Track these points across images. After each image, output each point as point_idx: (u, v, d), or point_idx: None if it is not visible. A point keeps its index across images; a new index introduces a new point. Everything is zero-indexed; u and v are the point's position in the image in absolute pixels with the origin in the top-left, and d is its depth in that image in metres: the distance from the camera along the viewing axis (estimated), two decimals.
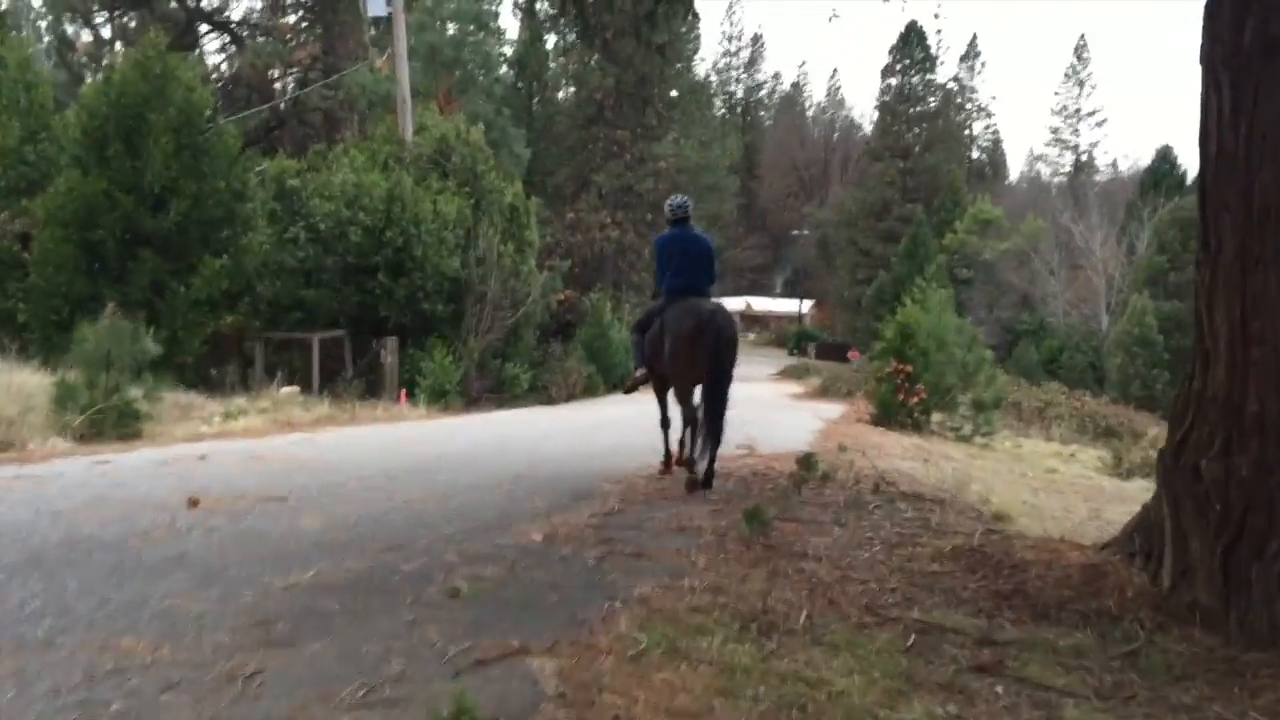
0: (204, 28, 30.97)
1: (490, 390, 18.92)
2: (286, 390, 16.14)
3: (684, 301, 7.76)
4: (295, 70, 28.23)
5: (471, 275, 18.69)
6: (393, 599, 4.16)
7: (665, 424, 8.30)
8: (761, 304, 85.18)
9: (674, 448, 8.34)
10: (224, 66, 29.26)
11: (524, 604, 4.20)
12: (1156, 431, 23.52)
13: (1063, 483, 13.03)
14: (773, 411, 17.49)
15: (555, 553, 5.20)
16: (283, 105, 29.19)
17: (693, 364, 7.55)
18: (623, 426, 12.39)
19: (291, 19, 27.47)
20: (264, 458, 8.41)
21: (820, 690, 3.39)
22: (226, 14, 28.43)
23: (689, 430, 7.86)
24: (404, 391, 16.75)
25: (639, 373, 8.36)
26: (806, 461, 8.37)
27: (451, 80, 23.19)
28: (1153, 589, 4.62)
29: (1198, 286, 4.67)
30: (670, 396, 8.09)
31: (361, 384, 17.73)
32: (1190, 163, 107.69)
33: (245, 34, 30.20)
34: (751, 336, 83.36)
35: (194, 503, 6.05)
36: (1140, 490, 13.76)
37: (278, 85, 29.58)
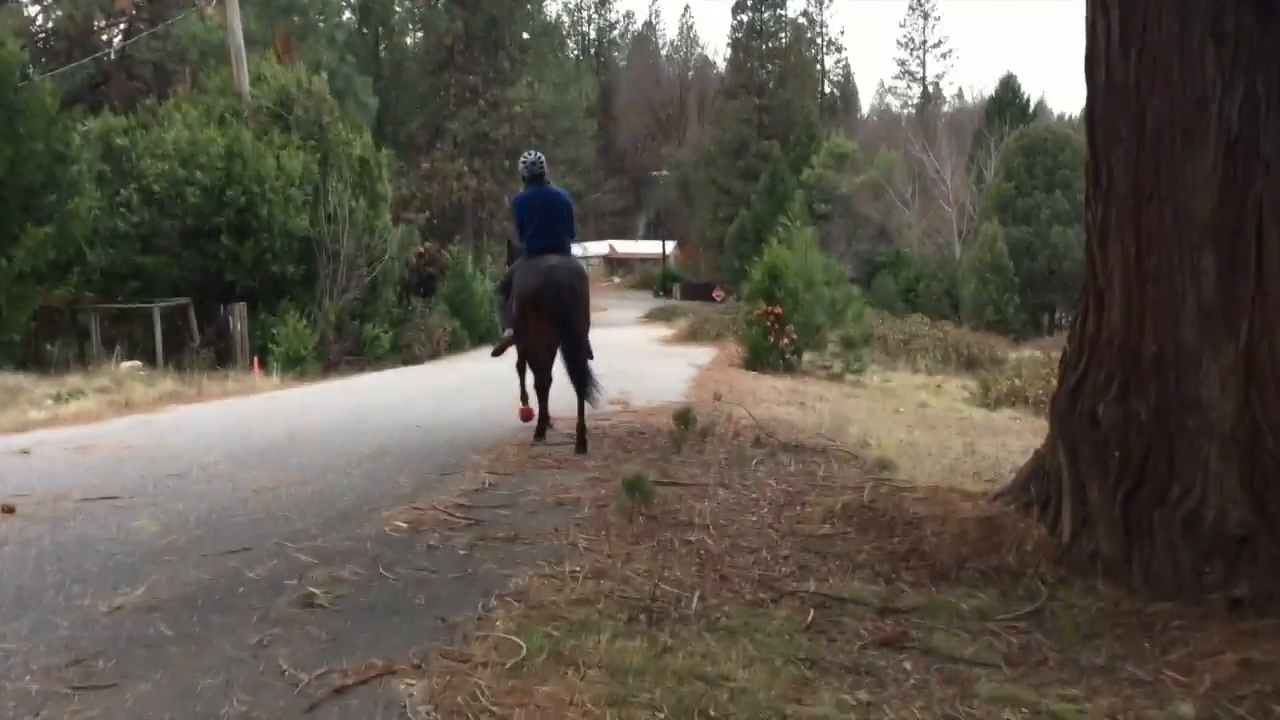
0: None
1: (350, 353, 18.11)
2: (127, 365, 15.11)
3: (534, 260, 7.65)
4: (121, 20, 26.31)
5: (322, 233, 17.75)
6: (237, 616, 3.67)
7: (539, 387, 8.02)
8: (625, 247, 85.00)
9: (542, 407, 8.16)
10: (40, 19, 27.02)
11: (389, 609, 3.77)
12: (1015, 357, 24.23)
13: (935, 416, 13.12)
14: (644, 359, 17.20)
15: (422, 542, 4.76)
16: (108, 58, 27.28)
17: (540, 323, 7.49)
18: (490, 386, 11.91)
19: None
20: (96, 447, 7.67)
21: (721, 688, 3.07)
22: None
23: (543, 396, 7.91)
24: (257, 360, 15.85)
25: (506, 334, 8.27)
26: (684, 417, 8.08)
27: (290, 27, 21.88)
28: (1052, 541, 4.45)
29: (1088, 223, 4.46)
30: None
31: (211, 354, 16.76)
32: (1033, 90, 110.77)
33: None
34: (617, 280, 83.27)
35: (8, 509, 5.38)
36: (1008, 420, 14.02)
37: (104, 38, 27.57)
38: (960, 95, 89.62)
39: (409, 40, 50.66)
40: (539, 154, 8.14)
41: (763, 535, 5.04)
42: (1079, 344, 4.56)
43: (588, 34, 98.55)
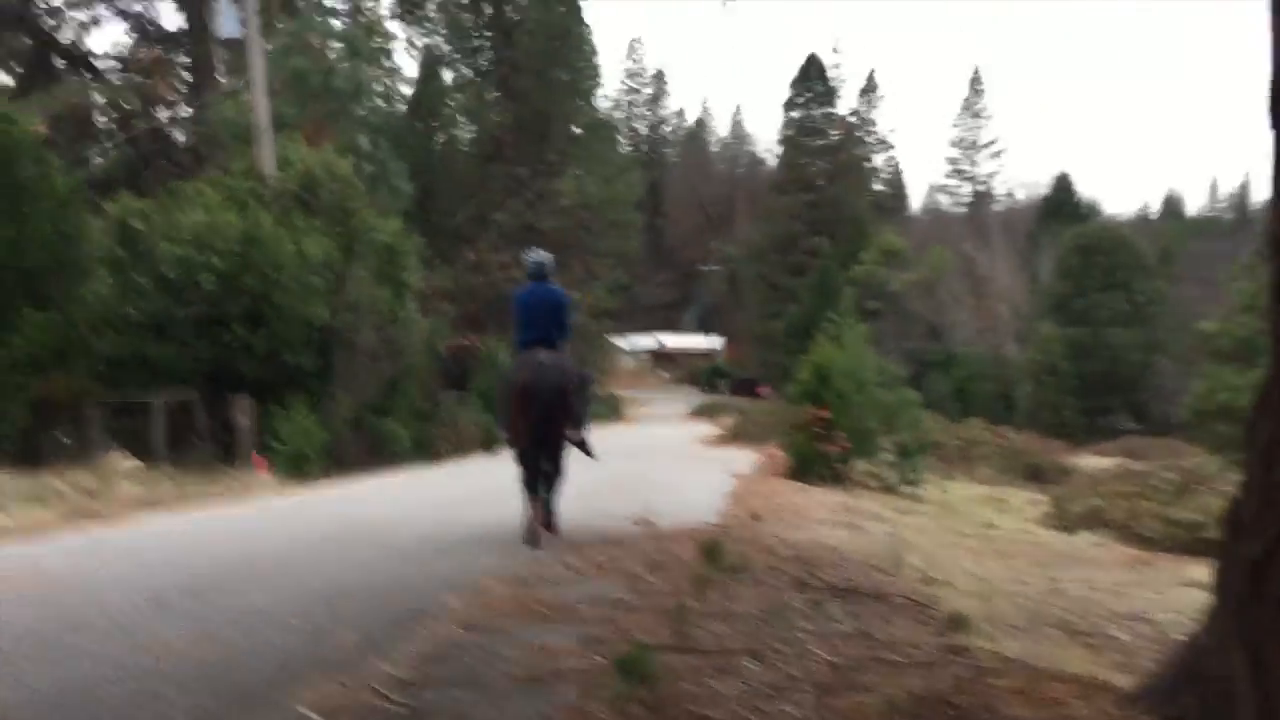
0: (61, 63, 28.55)
1: (367, 451, 16.90)
2: (125, 463, 14.03)
3: (525, 355, 7.93)
4: (160, 107, 26.01)
5: (341, 323, 16.70)
6: None
7: (528, 484, 8.00)
8: (673, 341, 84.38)
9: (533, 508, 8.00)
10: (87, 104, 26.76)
11: None
12: (1084, 467, 22.50)
13: (1004, 541, 11.60)
14: (679, 465, 15.88)
15: None
16: (151, 143, 26.96)
17: (526, 418, 7.63)
18: (504, 497, 10.70)
19: (152, 51, 25.23)
20: (9, 578, 6.42)
21: None
22: (84, 47, 26.08)
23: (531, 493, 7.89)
24: (261, 459, 14.69)
25: (504, 434, 8.29)
26: (712, 551, 6.73)
27: (321, 110, 21.28)
28: None
29: (1274, 326, 3.14)
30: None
31: (215, 451, 15.65)
32: (1088, 190, 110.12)
33: (106, 69, 27.89)
34: (665, 375, 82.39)
35: None
36: (1090, 548, 12.46)
37: (144, 124, 27.32)
38: (1012, 194, 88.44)
39: (458, 133, 50.54)
40: (543, 254, 8.46)
41: None
42: (1264, 497, 3.18)
43: (639, 130, 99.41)
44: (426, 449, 19.24)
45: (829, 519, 10.25)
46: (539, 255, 8.38)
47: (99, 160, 28.30)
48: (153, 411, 15.39)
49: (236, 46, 22.90)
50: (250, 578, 6.39)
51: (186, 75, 26.74)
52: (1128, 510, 12.89)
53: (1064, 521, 13.36)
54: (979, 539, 11.58)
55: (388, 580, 6.34)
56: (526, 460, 7.87)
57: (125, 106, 23.08)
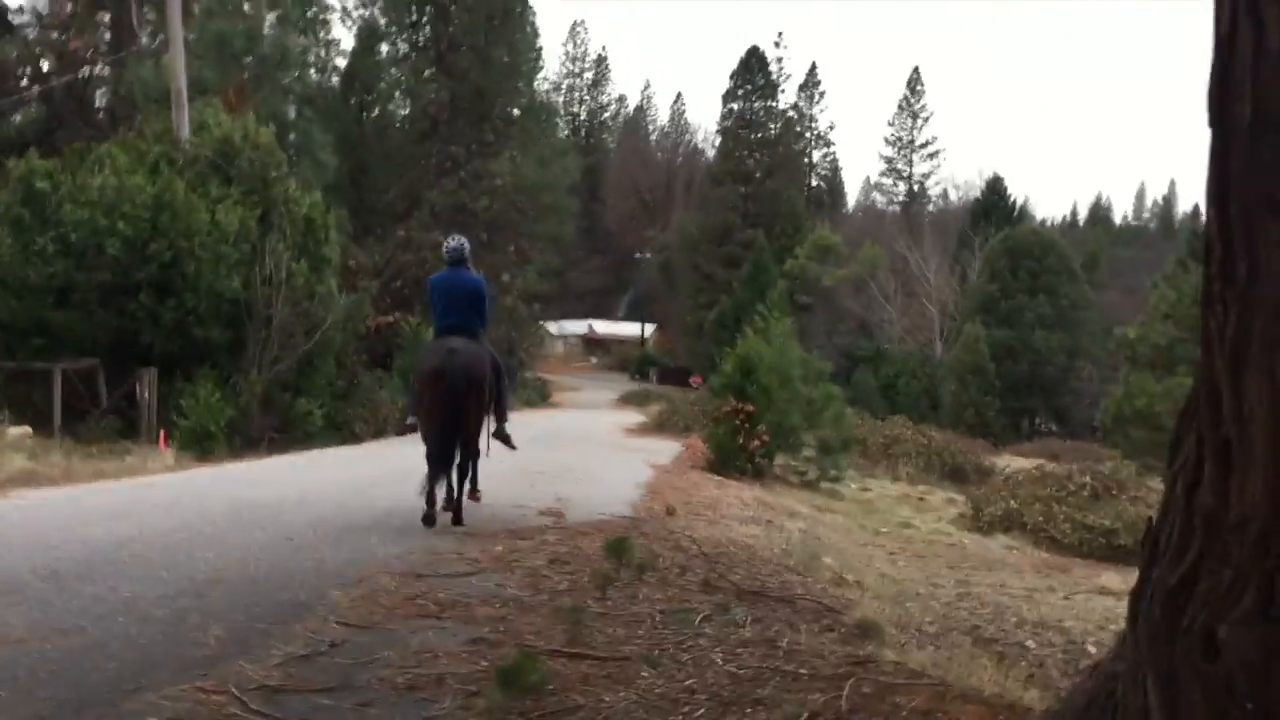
0: None
1: (278, 430, 16.32)
2: (15, 432, 13.37)
3: (438, 341, 8.00)
4: (76, 63, 24.94)
5: (255, 297, 16.09)
6: None
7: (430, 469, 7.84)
8: (604, 327, 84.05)
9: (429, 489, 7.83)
10: None
11: None
12: (1004, 468, 22.67)
13: (921, 541, 11.50)
14: (599, 454, 15.56)
15: None
16: (65, 103, 25.89)
17: (435, 404, 7.59)
18: (411, 481, 10.34)
19: (67, 6, 24.16)
20: None
21: None
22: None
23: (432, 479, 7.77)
24: (164, 434, 14.08)
25: (410, 419, 8.25)
26: (618, 548, 6.44)
27: (242, 76, 20.51)
28: None
29: (1207, 335, 2.93)
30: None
31: (118, 424, 15.01)
32: (1020, 193, 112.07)
33: (22, 24, 26.67)
34: (594, 360, 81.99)
35: None
36: (1003, 551, 12.43)
37: (56, 82, 26.21)
38: (945, 195, 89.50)
39: (393, 108, 49.52)
40: (462, 240, 8.44)
41: None
42: (1184, 520, 2.96)
43: (579, 114, 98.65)
44: (342, 429, 18.70)
45: (745, 515, 10.04)
46: (457, 240, 8.35)
47: (14, 119, 27.19)
48: (51, 380, 14.69)
49: (159, 5, 22.07)
50: (119, 562, 5.96)
51: (107, 35, 25.67)
52: (1043, 514, 12.91)
53: (980, 523, 13.35)
54: (895, 539, 11.47)
55: (270, 570, 5.95)
56: (431, 445, 7.71)
57: (40, 63, 22.01)
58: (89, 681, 3.87)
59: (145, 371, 14.76)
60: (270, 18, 24.12)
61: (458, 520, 7.82)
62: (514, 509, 8.82)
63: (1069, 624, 7.81)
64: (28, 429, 13.71)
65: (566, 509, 9.02)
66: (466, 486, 8.23)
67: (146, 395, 14.62)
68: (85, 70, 23.56)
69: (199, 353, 15.84)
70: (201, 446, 13.20)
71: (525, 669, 3.88)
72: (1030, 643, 7.13)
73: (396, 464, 12.51)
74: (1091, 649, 7.20)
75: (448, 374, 7.52)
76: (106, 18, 25.09)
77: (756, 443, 13.84)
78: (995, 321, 53.70)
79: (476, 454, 8.11)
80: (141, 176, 15.68)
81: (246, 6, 20.62)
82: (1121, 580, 10.00)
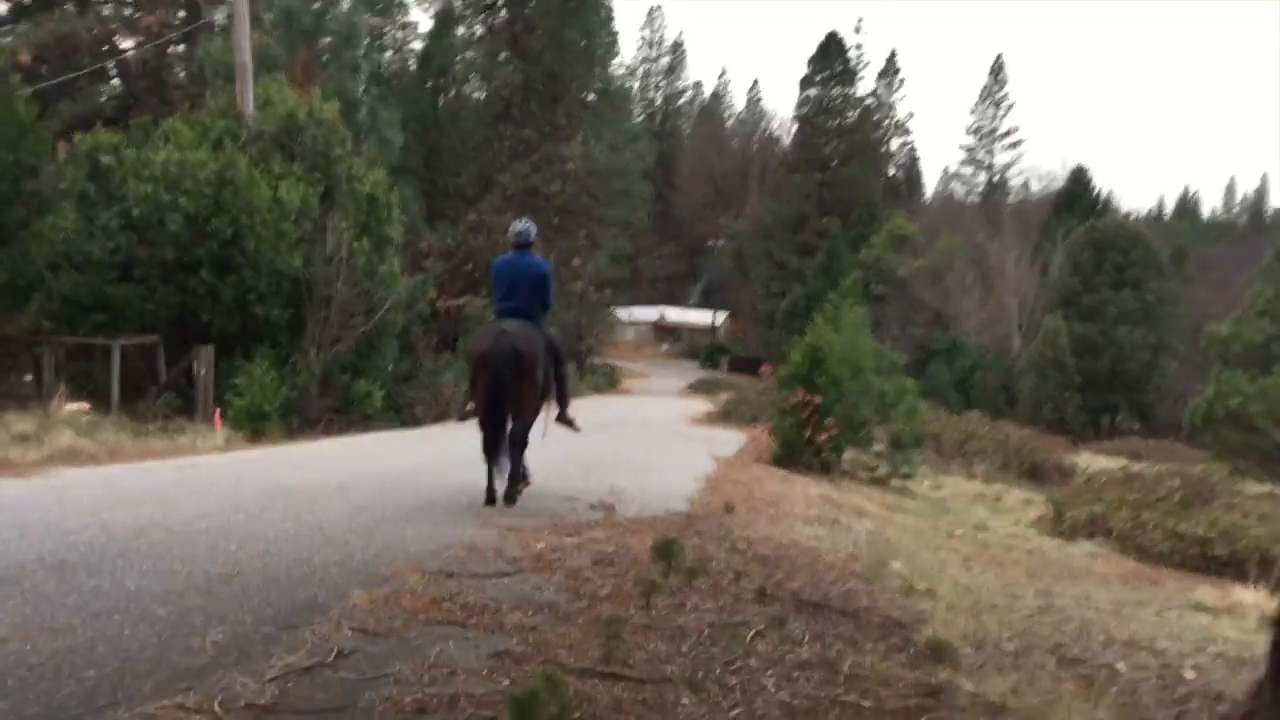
0: None
1: (336, 410, 16.07)
2: (71, 408, 13.25)
3: (493, 323, 8.07)
4: (150, 39, 24.99)
5: (316, 275, 15.83)
6: None
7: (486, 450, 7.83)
8: (676, 315, 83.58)
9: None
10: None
11: None
12: (1085, 468, 21.71)
13: (998, 545, 10.80)
14: (661, 444, 15.07)
15: None
16: (140, 80, 26.02)
17: (484, 385, 7.61)
18: (467, 464, 9.97)
19: None
20: None
21: None
22: None
23: (489, 458, 7.76)
24: (218, 413, 13.88)
25: (469, 404, 8.19)
26: (667, 550, 5.93)
27: (312, 52, 20.31)
28: None
29: None
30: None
31: (175, 401, 14.86)
32: (1104, 186, 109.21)
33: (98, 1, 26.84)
34: (665, 347, 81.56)
35: None
36: (1088, 559, 11.65)
37: (131, 57, 26.34)
38: (1027, 186, 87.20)
39: (467, 91, 49.47)
40: (528, 224, 8.35)
41: None
42: None
43: (654, 100, 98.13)
44: (403, 411, 18.44)
45: (809, 513, 9.46)
46: (524, 224, 8.30)
47: (95, 94, 27.41)
48: (110, 356, 14.58)
49: None
50: (134, 551, 5.59)
51: (182, 11, 25.70)
52: (1131, 519, 12.09)
53: (1062, 527, 12.54)
54: (970, 542, 10.79)
55: (291, 564, 5.54)
56: (484, 428, 7.72)
57: (114, 40, 22.05)
58: (60, 693, 3.47)
59: (202, 349, 14.57)
60: None
61: (510, 499, 7.76)
62: (564, 501, 8.36)
63: (1162, 644, 7.10)
64: (85, 405, 13.60)
65: (620, 502, 8.54)
66: (517, 471, 7.96)
67: (203, 373, 14.43)
68: (159, 46, 23.55)
69: (258, 331, 15.64)
70: (255, 427, 12.96)
71: (546, 696, 3.39)
72: (1121, 665, 6.46)
73: (448, 449, 12.14)
74: (1189, 673, 6.53)
75: (493, 356, 7.53)
76: None
77: (824, 436, 13.21)
78: (1077, 315, 52.17)
79: (524, 440, 7.87)
80: (204, 152, 15.48)
81: None
82: (1219, 595, 9.24)
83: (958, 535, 10.97)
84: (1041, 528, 12.76)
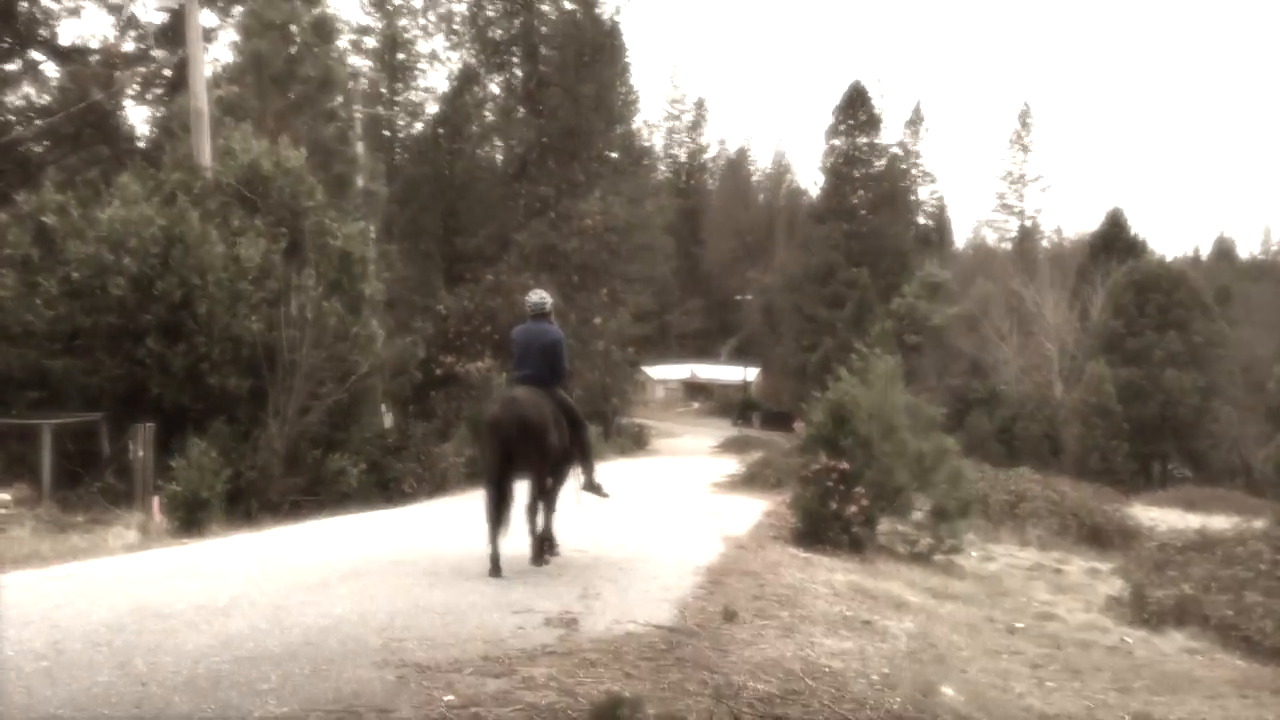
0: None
1: (306, 491, 14.29)
2: None
3: (507, 390, 8.73)
4: (128, 96, 23.75)
5: (279, 339, 14.15)
6: None
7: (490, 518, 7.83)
8: (706, 372, 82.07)
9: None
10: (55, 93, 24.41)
11: None
12: (1150, 527, 19.53)
13: (1070, 641, 8.78)
14: (668, 519, 13.15)
15: None
16: (127, 140, 24.78)
17: (492, 452, 7.85)
18: (427, 556, 8.15)
19: (117, 38, 22.96)
20: None
21: None
22: (51, 35, 23.82)
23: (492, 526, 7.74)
24: (156, 501, 12.11)
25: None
26: (611, 713, 4.08)
27: (284, 100, 18.87)
28: None
29: None
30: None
31: (119, 486, 13.16)
32: (1142, 228, 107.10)
33: (76, 57, 25.59)
34: (696, 405, 79.69)
35: None
36: (1184, 655, 9.60)
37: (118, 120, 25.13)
38: (1059, 231, 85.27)
39: (484, 152, 48.55)
40: (544, 295, 8.63)
41: None
42: None
43: (678, 156, 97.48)
44: (389, 487, 16.60)
45: (833, 613, 7.53)
46: (539, 296, 8.57)
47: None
48: (41, 438, 12.93)
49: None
50: None
51: (166, 72, 24.42)
52: (1231, 604, 10.02)
53: (1145, 614, 10.44)
54: (1036, 638, 8.77)
55: None
56: (490, 489, 7.83)
57: (83, 95, 20.68)
58: None
59: (140, 427, 12.82)
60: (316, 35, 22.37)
61: (538, 559, 8.14)
62: (514, 615, 6.48)
63: None
64: (5, 496, 11.91)
65: (589, 610, 6.67)
66: (550, 523, 8.42)
67: (140, 454, 12.69)
68: (119, 99, 22.34)
69: (215, 404, 13.96)
70: (189, 516, 11.17)
71: None
72: None
73: (420, 537, 10.36)
74: None
75: (501, 422, 7.79)
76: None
77: (854, 508, 11.23)
78: (1121, 360, 50.03)
79: (542, 501, 8.15)
80: (152, 207, 13.93)
81: (293, 27, 18.98)
82: None
83: (1020, 629, 8.96)
84: (1118, 613, 10.68)
